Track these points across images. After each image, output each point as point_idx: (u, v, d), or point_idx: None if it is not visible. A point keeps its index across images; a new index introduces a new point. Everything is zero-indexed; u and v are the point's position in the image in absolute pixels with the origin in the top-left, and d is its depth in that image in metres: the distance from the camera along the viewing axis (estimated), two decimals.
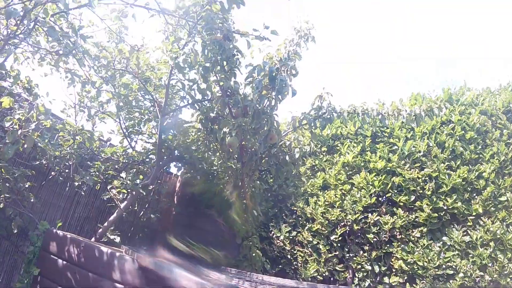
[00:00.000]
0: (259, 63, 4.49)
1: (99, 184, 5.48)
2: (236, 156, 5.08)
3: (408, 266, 5.41)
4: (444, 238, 5.36)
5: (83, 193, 5.28)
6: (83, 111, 5.06)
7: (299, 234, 6.33)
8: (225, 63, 4.61)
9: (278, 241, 6.48)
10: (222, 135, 4.63)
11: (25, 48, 4.30)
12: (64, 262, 3.91)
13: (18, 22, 3.24)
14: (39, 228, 4.30)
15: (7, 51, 3.59)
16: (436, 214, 5.45)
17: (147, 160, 5.68)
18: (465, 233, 5.26)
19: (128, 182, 5.20)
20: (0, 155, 3.15)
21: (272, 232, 6.51)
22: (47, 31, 3.31)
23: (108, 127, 8.89)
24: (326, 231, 6.08)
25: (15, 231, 4.39)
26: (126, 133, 5.76)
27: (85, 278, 3.69)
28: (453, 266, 5.12)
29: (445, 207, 5.43)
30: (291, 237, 6.39)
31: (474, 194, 5.41)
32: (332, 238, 6.02)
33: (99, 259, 3.71)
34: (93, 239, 5.02)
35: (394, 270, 5.58)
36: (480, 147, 5.65)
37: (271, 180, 6.85)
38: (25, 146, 3.34)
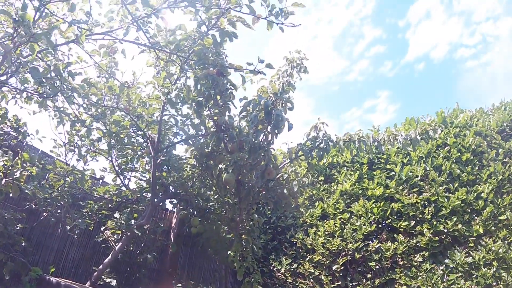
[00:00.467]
0: (254, 97, 4.42)
1: (92, 225, 5.29)
2: (233, 191, 4.95)
3: None
4: (447, 260, 5.30)
5: (75, 236, 5.09)
6: (74, 151, 4.91)
7: (300, 266, 6.20)
8: (218, 97, 4.54)
9: (279, 274, 6.33)
10: (218, 171, 4.54)
11: (11, 87, 4.17)
12: None
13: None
14: (31, 274, 4.11)
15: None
16: (437, 238, 5.42)
17: (141, 198, 5.52)
18: (467, 254, 5.22)
19: (122, 222, 5.04)
20: None
21: (273, 265, 6.37)
22: (30, 72, 3.19)
23: (100, 165, 8.70)
24: (328, 261, 5.96)
25: (7, 278, 4.20)
26: (119, 170, 5.60)
27: None
28: None
29: (445, 230, 5.41)
30: (292, 269, 6.26)
31: (474, 215, 5.41)
32: (334, 268, 5.92)
33: None
34: (88, 283, 4.81)
35: None
36: (477, 168, 5.66)
37: (269, 212, 6.74)
38: (11, 195, 3.18)
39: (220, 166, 4.51)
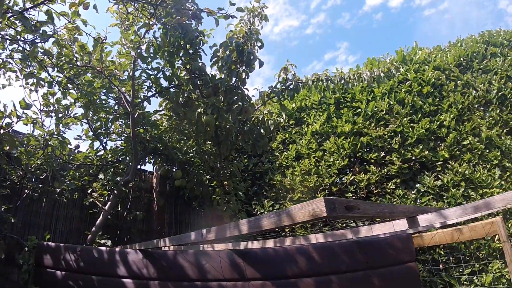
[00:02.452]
0: (224, 41, 4.56)
1: (76, 193, 5.32)
2: (212, 136, 5.12)
3: None
4: (418, 185, 5.64)
5: (65, 201, 5.13)
6: (51, 116, 4.91)
7: (282, 206, 6.46)
8: (188, 46, 4.66)
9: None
10: (197, 116, 4.67)
11: None
12: (63, 273, 3.72)
13: None
14: (27, 244, 4.15)
15: None
16: (406, 165, 5.74)
17: (122, 158, 5.61)
18: (436, 178, 5.58)
19: (108, 182, 5.13)
20: None
21: (256, 210, 6.60)
22: (20, 20, 3.22)
23: (73, 134, 8.60)
24: (307, 198, 6.23)
25: (2, 257, 4.20)
26: (95, 135, 5.65)
27: (89, 282, 3.55)
28: None
29: (413, 158, 5.74)
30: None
31: (439, 142, 5.77)
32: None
33: (99, 259, 3.60)
34: None
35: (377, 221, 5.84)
36: (437, 99, 6.02)
37: (246, 160, 6.95)
38: (7, 148, 3.23)
39: (199, 110, 4.65)
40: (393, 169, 5.79)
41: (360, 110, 6.36)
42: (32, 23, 3.55)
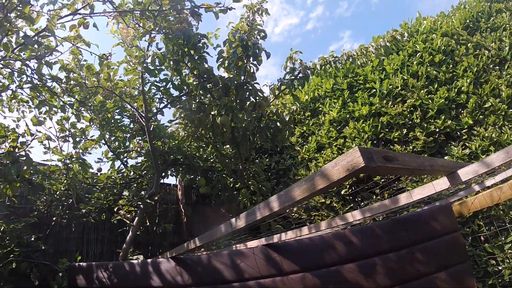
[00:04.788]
0: (227, 38, 4.53)
1: (104, 214, 5.36)
2: (229, 140, 5.08)
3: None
4: (446, 157, 5.45)
5: (93, 221, 5.16)
6: (68, 141, 4.95)
7: (310, 200, 6.36)
8: (193, 51, 4.64)
9: (293, 213, 6.51)
10: (212, 119, 4.64)
11: None
12: None
13: None
14: (59, 268, 4.17)
15: None
16: (431, 138, 5.58)
17: (144, 173, 5.62)
18: (463, 146, 5.40)
19: (134, 198, 5.13)
20: (3, 175, 3.05)
21: None
22: (22, 38, 3.25)
23: (94, 157, 8.73)
24: (335, 188, 6.14)
25: (36, 283, 4.23)
26: (115, 155, 5.68)
27: None
28: None
29: (437, 129, 5.59)
30: (304, 205, 6.43)
31: (460, 109, 5.59)
32: (342, 193, 6.09)
33: (132, 273, 3.56)
34: None
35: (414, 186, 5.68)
36: (451, 66, 5.85)
37: (267, 160, 6.89)
38: (25, 167, 3.25)
39: (212, 113, 4.62)
40: (419, 145, 5.64)
41: (374, 90, 6.23)
42: (34, 39, 3.55)
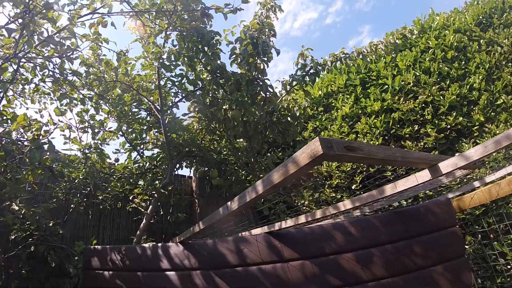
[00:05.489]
0: (239, 36, 4.68)
1: (120, 202, 5.60)
2: (241, 134, 5.23)
3: (432, 190, 5.55)
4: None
5: (109, 207, 5.40)
6: (87, 132, 5.19)
7: (321, 193, 6.47)
8: (206, 48, 4.80)
9: (304, 207, 6.62)
10: (224, 113, 4.80)
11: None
12: (110, 272, 3.91)
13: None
14: (76, 250, 4.40)
15: (3, 84, 3.73)
16: (442, 135, 5.61)
17: (159, 164, 5.83)
18: (474, 143, 5.38)
19: (148, 187, 5.34)
20: (29, 160, 3.30)
21: (296, 201, 6.65)
22: (46, 40, 3.48)
23: (112, 148, 9.08)
24: (346, 183, 6.23)
25: (53, 265, 4.46)
26: (131, 146, 5.90)
27: (135, 279, 3.73)
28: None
29: (448, 126, 5.61)
30: (315, 199, 6.54)
31: (472, 106, 5.61)
32: (353, 187, 6.17)
33: (143, 256, 3.77)
34: None
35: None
36: (463, 62, 5.87)
37: (280, 153, 7.02)
38: (48, 154, 3.48)
39: (224, 107, 4.78)
40: (430, 141, 5.67)
41: (387, 86, 6.29)
42: (57, 40, 3.77)
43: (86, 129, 5.14)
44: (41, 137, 3.48)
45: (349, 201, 3.32)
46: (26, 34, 3.43)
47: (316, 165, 1.62)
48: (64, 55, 4.20)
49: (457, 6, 6.88)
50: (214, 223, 2.69)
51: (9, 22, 3.40)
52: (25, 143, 3.59)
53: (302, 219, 3.56)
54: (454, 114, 5.56)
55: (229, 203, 2.35)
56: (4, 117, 4.21)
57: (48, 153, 3.47)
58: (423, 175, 2.38)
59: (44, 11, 3.30)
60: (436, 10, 6.80)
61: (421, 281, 2.98)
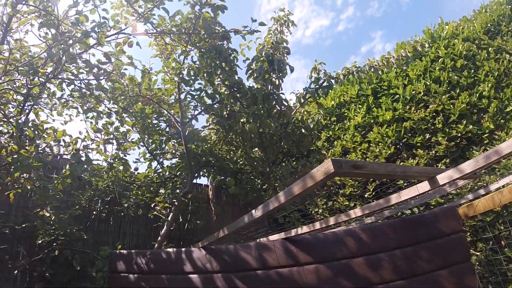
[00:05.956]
0: (255, 54, 4.94)
1: (140, 210, 5.87)
2: (257, 144, 5.47)
3: (443, 198, 5.68)
4: (452, 167, 5.54)
5: (132, 215, 5.67)
6: (111, 143, 5.47)
7: (335, 202, 6.64)
8: (224, 64, 5.06)
9: (318, 215, 6.80)
10: (241, 125, 5.04)
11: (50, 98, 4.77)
12: (136, 275, 4.17)
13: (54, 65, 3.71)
14: (100, 255, 4.66)
15: (34, 99, 4.03)
16: (453, 143, 5.73)
17: (179, 173, 6.10)
18: (485, 151, 5.45)
19: (169, 195, 5.60)
20: (70, 173, 3.60)
21: (310, 209, 6.83)
22: (84, 62, 3.79)
23: (132, 157, 9.43)
24: (359, 191, 6.39)
25: (78, 268, 4.72)
26: (152, 156, 6.18)
27: (159, 282, 3.97)
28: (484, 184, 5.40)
29: (459, 134, 5.72)
30: (328, 207, 6.71)
31: (482, 114, 5.71)
32: (366, 195, 6.33)
33: (167, 260, 4.03)
34: None
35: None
36: (472, 70, 5.99)
37: (294, 162, 7.22)
38: (85, 166, 3.78)
39: (242, 120, 5.03)
40: (441, 150, 5.79)
41: (398, 96, 6.45)
42: (94, 63, 4.08)
43: (111, 140, 5.43)
44: (80, 151, 3.78)
45: (359, 209, 3.52)
46: (65, 59, 3.72)
47: (329, 180, 1.95)
48: (94, 75, 4.49)
49: (466, 14, 7.01)
50: (237, 229, 2.92)
51: (51, 47, 3.70)
52: (64, 156, 3.88)
53: (317, 225, 3.78)
54: (464, 122, 5.68)
55: (253, 211, 2.60)
56: (37, 132, 4.53)
57: (86, 166, 3.77)
58: (424, 186, 2.60)
59: (82, 38, 3.59)
60: (448, 15, 6.98)
61: (427, 285, 3.17)
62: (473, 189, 4.79)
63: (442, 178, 2.39)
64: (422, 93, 6.21)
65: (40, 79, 4.30)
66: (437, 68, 6.23)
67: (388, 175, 2.03)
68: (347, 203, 6.50)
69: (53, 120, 5.28)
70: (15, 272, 4.76)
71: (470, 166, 2.26)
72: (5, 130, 4.73)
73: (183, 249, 4.02)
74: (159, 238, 5.42)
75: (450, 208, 3.59)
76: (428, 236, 3.43)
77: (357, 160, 6.41)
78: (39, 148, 3.69)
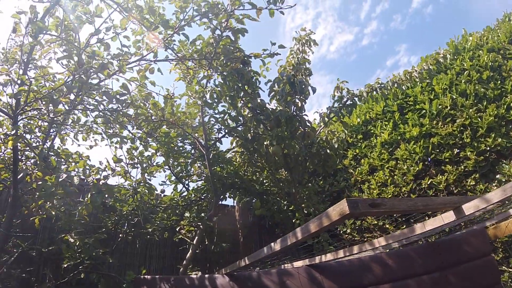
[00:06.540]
0: (276, 76, 4.95)
1: (166, 233, 5.89)
2: (283, 166, 5.45)
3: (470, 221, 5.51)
4: (498, 176, 5.42)
5: (157, 239, 5.70)
6: (136, 167, 5.53)
7: (363, 221, 6.54)
8: (246, 87, 5.09)
9: (346, 234, 6.71)
10: (265, 148, 5.03)
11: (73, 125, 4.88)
12: None
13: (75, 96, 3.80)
14: (126, 279, 4.69)
15: (59, 126, 4.12)
16: (482, 157, 5.57)
17: (204, 196, 6.12)
18: None
19: (194, 219, 5.62)
20: (91, 202, 3.65)
21: (338, 229, 6.75)
22: (103, 94, 3.86)
23: (158, 180, 9.51)
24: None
25: None
26: (177, 179, 6.23)
27: None
28: None
29: (488, 148, 5.56)
30: (357, 227, 6.62)
31: (510, 126, 5.54)
32: (394, 214, 6.21)
33: (191, 286, 4.00)
34: None
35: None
36: (499, 82, 5.82)
37: (321, 182, 7.16)
38: (106, 195, 3.83)
39: (265, 143, 5.02)
40: (470, 164, 5.65)
41: (424, 111, 6.34)
42: (111, 92, 4.15)
43: (135, 165, 5.49)
44: (100, 181, 3.84)
45: (383, 238, 3.45)
46: (83, 91, 3.80)
47: (345, 220, 1.90)
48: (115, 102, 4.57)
49: (490, 23, 6.86)
50: (258, 260, 2.89)
51: (67, 81, 3.80)
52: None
53: (340, 253, 3.71)
54: (493, 135, 5.52)
55: (272, 244, 2.58)
56: (59, 159, 4.63)
57: (107, 196, 3.82)
58: (449, 216, 2.52)
59: (100, 71, 3.68)
60: (473, 25, 6.85)
61: None
62: (504, 207, 4.65)
63: (468, 208, 2.31)
64: (448, 107, 6.08)
65: (65, 106, 4.39)
66: (463, 81, 6.10)
67: (409, 210, 1.97)
68: (375, 222, 6.39)
69: (79, 145, 5.41)
70: None
71: (497, 196, 2.17)
72: (31, 155, 4.88)
73: (206, 275, 3.98)
74: (185, 262, 5.42)
75: (479, 230, 3.48)
76: (456, 260, 3.32)
77: (375, 198, 6.32)
78: (63, 177, 3.74)
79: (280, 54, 4.79)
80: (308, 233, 2.06)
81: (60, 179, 3.61)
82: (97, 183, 3.74)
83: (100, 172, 4.30)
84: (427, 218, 5.80)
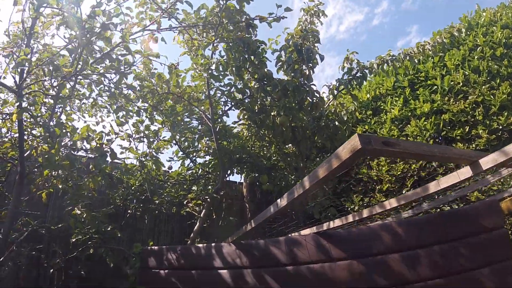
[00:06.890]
0: (283, 44, 4.83)
1: (174, 207, 5.87)
2: (290, 139, 5.36)
3: (485, 193, 5.42)
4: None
5: (164, 211, 5.69)
6: (143, 141, 5.50)
7: (371, 198, 6.44)
8: (252, 57, 4.99)
9: (354, 211, 6.62)
10: (272, 119, 4.95)
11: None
12: (166, 271, 4.15)
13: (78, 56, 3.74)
14: (134, 252, 4.69)
15: (63, 101, 4.08)
16: (494, 136, 5.43)
17: (211, 170, 6.07)
18: None
19: (202, 192, 5.58)
20: (94, 165, 3.62)
21: (346, 206, 6.65)
22: (103, 55, 3.80)
23: (165, 156, 9.53)
24: (396, 187, 6.17)
25: (111, 265, 4.78)
26: (184, 153, 6.19)
27: (189, 276, 3.93)
28: None
29: (500, 127, 5.43)
30: (365, 204, 6.52)
31: None
32: (404, 192, 6.11)
33: (197, 255, 3.99)
34: None
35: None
36: None
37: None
38: (109, 159, 3.80)
39: (273, 114, 4.94)
40: (481, 143, 5.50)
41: (436, 87, 6.18)
42: (114, 57, 4.08)
43: (142, 138, 5.45)
44: (104, 145, 3.80)
45: (395, 199, 3.36)
46: (85, 53, 3.73)
47: (357, 158, 1.75)
48: (119, 71, 4.51)
49: (503, 1, 6.64)
50: (265, 220, 2.83)
51: (68, 43, 3.73)
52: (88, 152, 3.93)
53: (349, 218, 3.64)
54: (506, 113, 5.37)
55: (278, 200, 2.51)
56: (64, 131, 4.60)
57: (111, 160, 3.79)
58: (465, 172, 2.43)
59: (101, 32, 3.60)
60: (483, 5, 6.65)
61: (466, 283, 2.97)
62: None
63: (485, 162, 2.22)
64: (461, 84, 5.93)
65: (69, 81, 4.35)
66: (475, 57, 5.93)
67: (424, 155, 1.84)
68: (384, 199, 6.27)
69: (85, 122, 5.39)
70: (51, 270, 4.87)
71: None
72: (38, 134, 4.86)
73: (213, 244, 3.97)
74: (192, 235, 5.41)
75: (492, 202, 3.37)
76: (468, 231, 3.22)
77: (389, 137, 6.19)
78: (66, 147, 3.72)
79: (286, 18, 4.68)
80: (316, 179, 1.92)
81: (63, 149, 3.59)
82: (100, 146, 3.70)
83: (104, 136, 4.26)
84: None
